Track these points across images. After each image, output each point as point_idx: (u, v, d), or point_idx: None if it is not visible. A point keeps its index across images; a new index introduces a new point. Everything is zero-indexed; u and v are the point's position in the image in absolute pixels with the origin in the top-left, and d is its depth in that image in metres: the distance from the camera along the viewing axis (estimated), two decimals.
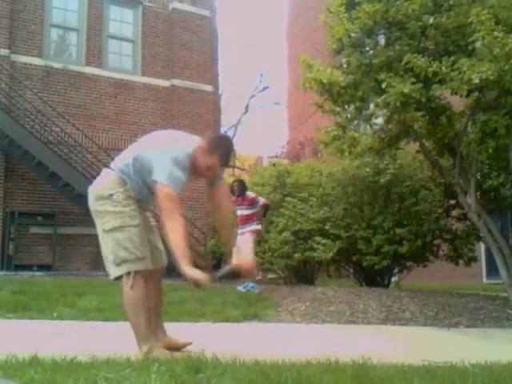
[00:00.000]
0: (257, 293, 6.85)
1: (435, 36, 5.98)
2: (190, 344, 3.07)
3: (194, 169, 3.00)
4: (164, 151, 2.91)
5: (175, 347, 3.11)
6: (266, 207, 7.55)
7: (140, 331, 2.87)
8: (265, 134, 48.62)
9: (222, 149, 3.04)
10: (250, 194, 7.55)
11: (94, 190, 3.03)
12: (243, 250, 7.23)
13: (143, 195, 3.03)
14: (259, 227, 7.42)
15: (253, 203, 7.35)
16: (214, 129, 13.39)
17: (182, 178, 2.89)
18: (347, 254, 8.49)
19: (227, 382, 2.19)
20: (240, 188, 7.39)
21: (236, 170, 21.76)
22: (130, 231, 2.92)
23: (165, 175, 2.83)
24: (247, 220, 7.34)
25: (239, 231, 7.38)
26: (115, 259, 2.90)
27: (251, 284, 7.22)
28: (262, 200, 7.49)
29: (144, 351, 2.80)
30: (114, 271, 2.92)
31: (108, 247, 2.93)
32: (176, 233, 2.80)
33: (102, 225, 2.95)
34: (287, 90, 22.70)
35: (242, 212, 7.36)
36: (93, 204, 3.02)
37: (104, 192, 2.96)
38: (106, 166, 3.17)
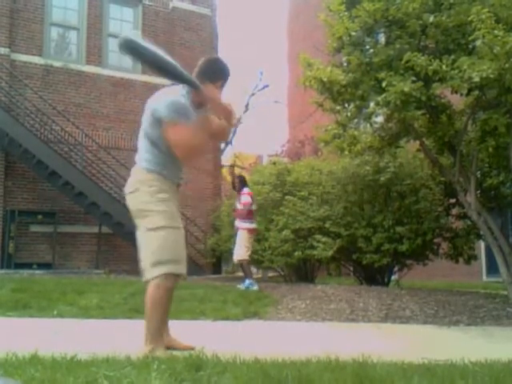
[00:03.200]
0: (257, 291, 6.85)
1: (435, 34, 5.98)
2: (192, 349, 3.03)
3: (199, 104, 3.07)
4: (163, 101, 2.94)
5: (176, 348, 3.09)
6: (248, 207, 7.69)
7: (152, 329, 2.87)
8: (265, 133, 48.65)
9: (221, 75, 3.13)
10: (245, 190, 7.81)
11: (132, 191, 3.00)
12: (236, 248, 7.47)
13: (171, 169, 3.02)
14: (252, 226, 7.67)
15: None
16: None
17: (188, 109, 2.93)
18: (347, 252, 8.49)
19: (227, 379, 2.19)
20: (239, 184, 7.85)
21: (236, 168, 21.79)
22: (174, 233, 2.92)
23: (171, 113, 2.87)
24: (240, 213, 7.65)
25: (236, 223, 7.82)
26: (157, 259, 2.86)
27: (248, 281, 7.26)
28: (243, 200, 7.63)
29: (148, 349, 2.80)
30: (152, 271, 2.87)
31: (151, 246, 2.90)
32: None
33: (146, 224, 2.92)
34: (287, 89, 22.70)
35: (237, 206, 7.81)
36: (135, 204, 2.98)
37: (144, 189, 2.94)
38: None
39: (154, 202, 2.93)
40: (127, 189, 3.06)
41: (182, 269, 2.94)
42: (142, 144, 3.06)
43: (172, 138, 2.90)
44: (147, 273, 2.91)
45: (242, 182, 7.88)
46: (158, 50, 2.90)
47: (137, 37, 2.93)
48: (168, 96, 2.97)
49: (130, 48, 2.86)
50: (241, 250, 7.52)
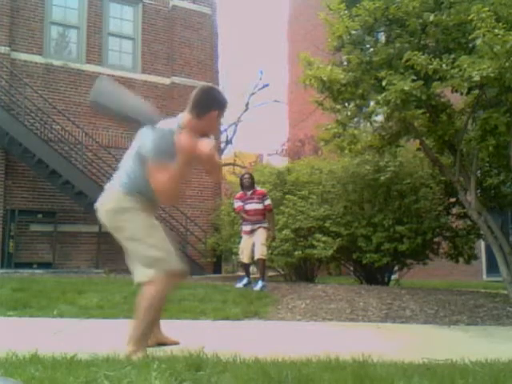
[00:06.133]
0: (257, 291, 6.84)
1: (435, 33, 5.97)
2: (177, 344, 3.13)
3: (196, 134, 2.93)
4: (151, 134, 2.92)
5: (164, 344, 3.18)
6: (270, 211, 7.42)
7: (140, 331, 2.85)
8: (265, 132, 48.59)
9: (215, 104, 2.97)
10: (260, 189, 7.53)
11: (108, 207, 2.99)
12: (257, 245, 7.17)
13: (149, 192, 2.97)
14: (268, 225, 7.33)
15: (262, 198, 7.30)
16: None
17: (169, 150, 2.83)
18: (347, 252, 8.49)
19: (227, 379, 2.19)
20: (251, 181, 7.38)
21: (236, 167, 21.80)
22: (155, 236, 2.92)
23: (153, 152, 2.83)
24: (259, 214, 7.25)
25: (249, 227, 7.27)
26: (148, 261, 2.86)
27: (245, 280, 7.21)
28: (267, 202, 7.33)
29: (129, 351, 2.77)
30: (147, 273, 2.86)
31: (138, 252, 2.91)
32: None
33: (129, 235, 2.93)
34: (287, 88, 22.68)
35: (253, 206, 7.27)
36: (112, 220, 2.98)
37: (119, 205, 2.95)
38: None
39: (127, 214, 2.92)
40: (100, 205, 3.03)
41: (176, 264, 2.90)
42: (127, 167, 3.02)
43: (155, 183, 2.85)
44: (142, 275, 2.89)
45: (253, 179, 7.48)
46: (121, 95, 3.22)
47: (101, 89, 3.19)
48: (158, 132, 2.91)
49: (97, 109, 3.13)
50: (263, 249, 7.12)
